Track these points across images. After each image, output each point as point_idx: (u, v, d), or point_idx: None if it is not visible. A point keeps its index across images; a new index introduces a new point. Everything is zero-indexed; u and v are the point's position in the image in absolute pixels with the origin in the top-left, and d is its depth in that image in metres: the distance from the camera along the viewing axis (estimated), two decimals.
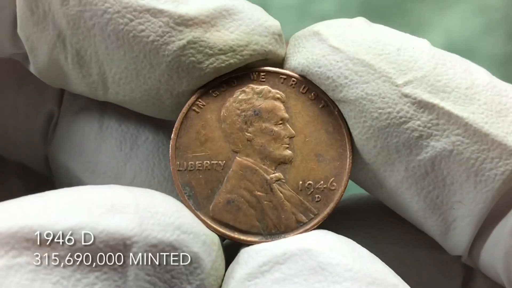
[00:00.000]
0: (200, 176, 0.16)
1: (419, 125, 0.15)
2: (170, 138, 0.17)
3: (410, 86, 0.15)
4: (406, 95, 0.15)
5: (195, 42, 0.16)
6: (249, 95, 0.17)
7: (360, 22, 0.17)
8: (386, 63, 0.16)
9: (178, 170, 0.16)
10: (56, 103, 0.19)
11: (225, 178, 0.16)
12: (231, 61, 0.16)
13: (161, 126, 0.19)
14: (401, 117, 0.15)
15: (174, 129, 0.16)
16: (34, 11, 0.16)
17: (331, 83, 0.16)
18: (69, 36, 0.16)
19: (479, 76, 0.16)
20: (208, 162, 0.16)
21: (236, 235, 0.16)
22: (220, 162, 0.16)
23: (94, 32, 0.16)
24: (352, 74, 0.16)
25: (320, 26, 0.17)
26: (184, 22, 0.16)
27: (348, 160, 0.16)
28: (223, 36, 0.16)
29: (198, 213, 0.16)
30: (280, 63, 0.17)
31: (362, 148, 0.16)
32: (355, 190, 0.19)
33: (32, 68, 0.17)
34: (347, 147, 0.16)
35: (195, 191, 0.16)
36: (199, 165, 0.16)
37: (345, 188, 0.16)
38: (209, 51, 0.16)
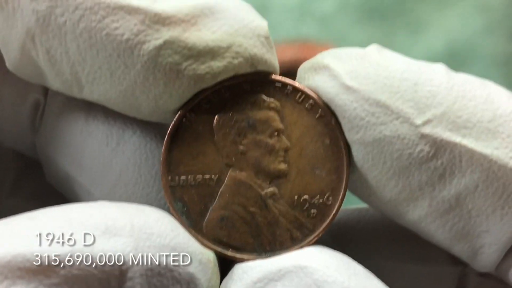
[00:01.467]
0: (193, 191, 0.16)
1: (441, 163, 0.15)
2: (158, 133, 0.16)
3: (429, 125, 0.15)
4: (426, 136, 0.15)
5: (172, 42, 0.15)
6: (242, 105, 0.16)
7: (373, 52, 0.16)
8: (403, 102, 0.15)
9: (170, 186, 0.16)
10: (42, 92, 0.18)
11: (219, 193, 0.16)
12: (212, 63, 0.15)
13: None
14: (422, 157, 0.15)
15: (164, 143, 0.16)
16: (3, 7, 0.15)
17: (346, 123, 0.15)
18: (38, 34, 0.15)
19: (501, 104, 0.15)
20: (201, 176, 0.16)
21: (230, 252, 0.16)
22: (213, 176, 0.16)
23: (65, 29, 0.15)
24: (368, 115, 0.15)
25: (330, 59, 0.16)
26: (161, 20, 0.15)
27: (345, 173, 0.16)
28: (204, 36, 0.15)
29: (192, 230, 0.16)
30: (271, 71, 0.16)
31: (382, 189, 0.16)
32: (352, 202, 0.19)
33: (7, 65, 0.16)
34: (344, 160, 0.16)
35: (188, 207, 0.16)
36: (192, 179, 0.16)
37: (341, 203, 0.16)
38: (188, 52, 0.15)
